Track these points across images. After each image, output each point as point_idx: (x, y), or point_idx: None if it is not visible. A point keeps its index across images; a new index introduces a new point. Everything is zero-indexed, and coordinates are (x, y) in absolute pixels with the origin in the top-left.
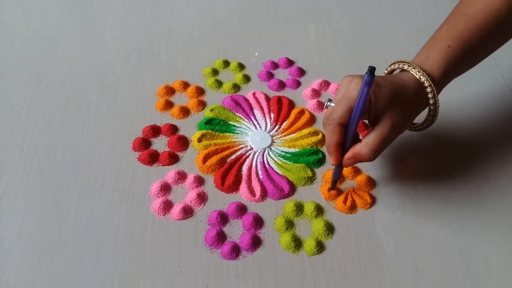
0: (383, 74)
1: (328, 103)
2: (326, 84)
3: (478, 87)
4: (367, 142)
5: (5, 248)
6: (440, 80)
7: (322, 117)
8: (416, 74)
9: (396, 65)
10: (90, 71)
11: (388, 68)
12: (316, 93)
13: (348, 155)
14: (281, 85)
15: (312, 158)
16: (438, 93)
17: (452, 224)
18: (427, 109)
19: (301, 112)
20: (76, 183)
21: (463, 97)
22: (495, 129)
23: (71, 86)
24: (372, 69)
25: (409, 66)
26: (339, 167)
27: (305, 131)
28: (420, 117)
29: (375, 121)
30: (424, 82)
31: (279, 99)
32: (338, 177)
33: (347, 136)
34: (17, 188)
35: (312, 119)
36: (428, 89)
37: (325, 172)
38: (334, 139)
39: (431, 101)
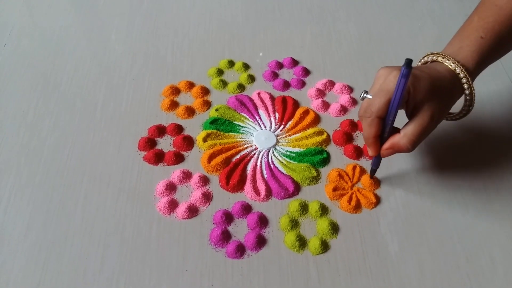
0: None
1: (365, 95)
2: (331, 84)
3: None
4: (406, 133)
5: (12, 247)
6: (474, 71)
7: (326, 117)
8: (451, 65)
9: (430, 57)
10: (96, 72)
11: (422, 60)
12: (320, 93)
13: (386, 145)
14: (286, 85)
15: (316, 158)
16: (472, 83)
17: (458, 224)
18: (462, 99)
19: (306, 112)
20: (82, 183)
21: None
22: (500, 129)
23: (77, 87)
24: (409, 62)
25: (443, 58)
26: (378, 157)
27: (310, 131)
28: (455, 107)
29: (413, 113)
30: (459, 73)
31: (284, 99)
32: (377, 166)
33: (384, 128)
34: (23, 187)
35: (316, 119)
36: (464, 80)
37: (330, 171)
38: (372, 131)
39: (467, 92)
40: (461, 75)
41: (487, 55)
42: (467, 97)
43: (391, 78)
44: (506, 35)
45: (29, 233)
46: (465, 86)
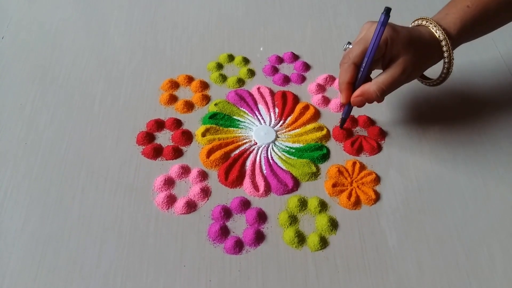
0: None
1: (347, 45)
2: (331, 79)
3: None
4: (376, 81)
5: (8, 241)
6: (455, 37)
7: (326, 113)
8: (433, 29)
9: (417, 22)
10: (94, 65)
11: (410, 25)
12: (321, 88)
13: (357, 92)
14: (286, 80)
15: (316, 153)
16: (453, 49)
17: (457, 221)
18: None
19: (306, 107)
20: (80, 177)
21: (469, 91)
22: (501, 125)
23: (75, 80)
24: (388, 10)
25: (427, 22)
26: (349, 105)
27: (310, 126)
28: (435, 74)
29: (388, 65)
30: (439, 36)
31: (284, 94)
32: (347, 115)
33: (359, 76)
34: (21, 181)
35: (316, 115)
36: (443, 43)
37: (329, 167)
38: (346, 77)
39: (445, 54)
40: (441, 37)
41: (470, 24)
42: (446, 60)
43: (372, 30)
44: (492, 8)
45: (26, 227)
46: (444, 49)
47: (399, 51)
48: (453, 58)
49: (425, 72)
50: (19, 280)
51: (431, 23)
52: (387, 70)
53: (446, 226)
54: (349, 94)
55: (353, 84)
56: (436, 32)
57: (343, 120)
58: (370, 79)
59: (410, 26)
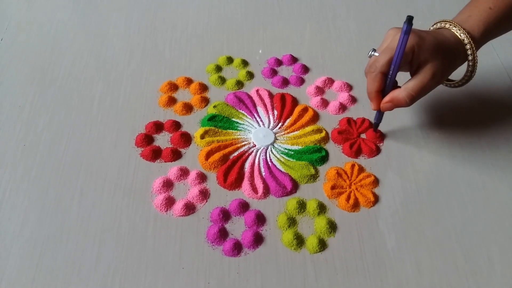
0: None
1: (372, 52)
2: (330, 81)
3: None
4: (406, 87)
5: (7, 242)
6: (479, 39)
7: (325, 115)
8: (457, 32)
9: (439, 25)
10: (93, 67)
11: (432, 27)
12: (319, 90)
13: (386, 99)
14: (285, 82)
15: (315, 156)
16: (476, 51)
17: (456, 223)
18: (464, 67)
19: (305, 109)
20: (78, 178)
21: (467, 95)
22: (499, 128)
23: (74, 81)
24: (410, 18)
25: (450, 24)
26: (380, 112)
27: (309, 128)
28: (457, 76)
29: (416, 71)
30: (464, 40)
31: (283, 96)
32: (379, 120)
33: (387, 83)
34: (19, 182)
35: (315, 117)
36: (468, 46)
37: (328, 169)
38: (375, 86)
39: (470, 57)
40: (466, 41)
41: (494, 25)
42: (470, 63)
43: (397, 38)
44: None
45: (24, 228)
46: (469, 52)
47: (427, 57)
48: (477, 62)
49: None
50: (17, 281)
51: (455, 26)
52: (416, 76)
53: (445, 228)
54: (378, 101)
55: (381, 92)
56: (460, 35)
57: (376, 125)
58: (397, 85)
59: (431, 28)
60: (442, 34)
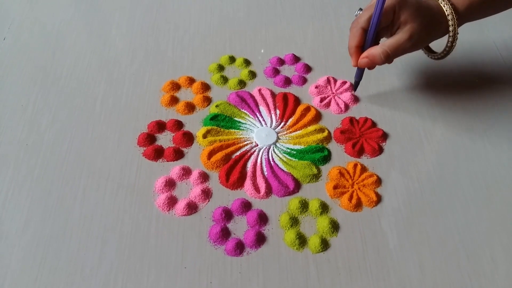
0: None
1: (358, 11)
2: (333, 81)
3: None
4: (383, 44)
5: (9, 242)
6: (462, 14)
7: (327, 114)
8: (441, 3)
9: None
10: (96, 66)
11: None
12: (322, 90)
13: (364, 54)
14: (287, 81)
15: (317, 155)
16: (458, 25)
17: (459, 223)
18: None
19: (307, 109)
20: (81, 178)
21: (470, 93)
22: (503, 127)
23: (77, 81)
24: None
25: None
26: (360, 69)
27: (311, 128)
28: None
29: (396, 32)
30: (446, 10)
31: (285, 96)
32: (359, 78)
33: (366, 40)
34: (22, 182)
35: (318, 116)
36: (449, 17)
37: (331, 169)
38: (354, 41)
39: (450, 28)
40: (448, 12)
41: (478, 3)
42: (450, 35)
43: None
44: None
45: (27, 228)
46: (450, 23)
47: (407, 18)
48: (457, 33)
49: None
50: (20, 281)
51: None
52: (394, 35)
53: (448, 228)
54: (357, 57)
55: (361, 48)
56: (444, 6)
57: (356, 84)
58: (377, 43)
59: None
60: (426, 2)
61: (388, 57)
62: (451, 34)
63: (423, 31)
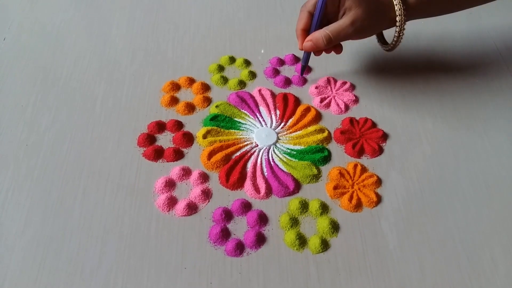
0: None
1: None
2: (333, 81)
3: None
4: (326, 28)
5: (9, 242)
6: (411, 6)
7: (328, 115)
8: None
9: None
10: (96, 67)
11: None
12: (322, 90)
13: (308, 37)
14: (287, 82)
15: (317, 156)
16: (406, 18)
17: (459, 223)
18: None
19: (307, 109)
20: (80, 178)
21: (469, 93)
22: (503, 127)
23: (77, 81)
24: None
25: None
26: (306, 53)
27: (311, 128)
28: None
29: (341, 18)
30: (394, 1)
31: (285, 96)
32: (306, 62)
33: (312, 24)
34: (22, 183)
35: (318, 117)
36: (397, 7)
37: (331, 169)
38: (300, 24)
39: (397, 18)
40: (396, 2)
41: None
42: (397, 25)
43: None
44: None
45: (26, 228)
46: (397, 13)
47: (351, 5)
48: (404, 27)
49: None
50: (20, 282)
51: None
52: (338, 21)
53: (448, 229)
54: (303, 40)
55: (307, 32)
56: None
57: (302, 68)
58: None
59: None
60: None
61: (330, 41)
62: (397, 24)
63: (367, 19)
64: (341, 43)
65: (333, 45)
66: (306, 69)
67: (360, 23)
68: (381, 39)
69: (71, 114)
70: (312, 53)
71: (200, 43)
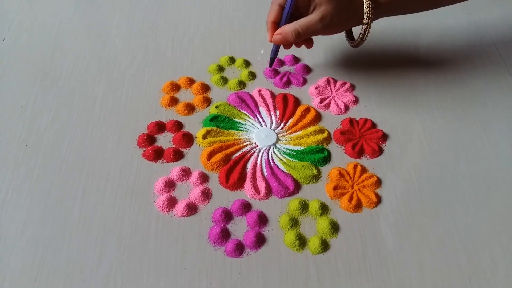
0: None
1: None
2: (333, 82)
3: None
4: (295, 23)
5: (9, 243)
6: (381, 5)
7: (327, 115)
8: None
9: None
10: (95, 67)
11: None
12: (322, 91)
13: (277, 31)
14: (287, 82)
15: (317, 156)
16: (374, 17)
17: (459, 224)
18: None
19: (307, 110)
20: (80, 179)
21: (469, 93)
22: (503, 127)
23: (76, 82)
24: None
25: None
26: (276, 46)
27: (311, 129)
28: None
29: (311, 13)
30: None
31: (285, 97)
32: (275, 55)
33: (282, 17)
34: (21, 183)
35: (317, 117)
36: (366, 5)
37: (331, 170)
38: (271, 17)
39: (365, 16)
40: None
41: None
42: (364, 22)
43: None
44: None
45: (26, 228)
46: (365, 10)
47: (322, 0)
48: (370, 25)
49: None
50: (19, 282)
51: None
52: (308, 16)
53: (448, 229)
54: (273, 33)
55: (277, 24)
56: None
57: (271, 60)
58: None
59: None
60: None
61: (299, 36)
62: (364, 22)
63: (336, 15)
64: (313, 38)
65: (302, 39)
66: (275, 61)
67: (329, 19)
68: (349, 35)
69: (70, 115)
70: (281, 46)
71: (199, 44)
